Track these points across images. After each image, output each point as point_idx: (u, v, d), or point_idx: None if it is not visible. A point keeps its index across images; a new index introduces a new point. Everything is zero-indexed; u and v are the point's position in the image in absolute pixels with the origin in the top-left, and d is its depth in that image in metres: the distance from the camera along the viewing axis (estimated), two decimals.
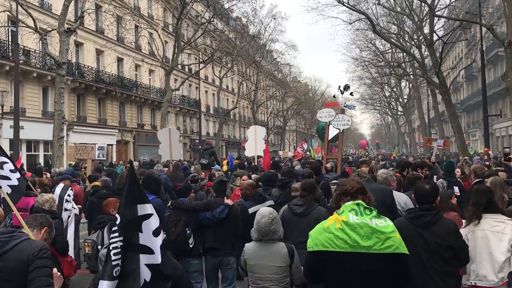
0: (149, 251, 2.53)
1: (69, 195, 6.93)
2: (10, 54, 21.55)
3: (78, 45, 28.09)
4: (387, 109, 62.41)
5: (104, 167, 15.25)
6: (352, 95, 15.10)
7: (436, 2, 25.96)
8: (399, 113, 58.12)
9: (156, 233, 2.56)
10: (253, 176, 9.20)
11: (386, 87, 52.43)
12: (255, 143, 14.32)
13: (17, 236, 2.95)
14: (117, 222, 2.49)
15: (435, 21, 25.82)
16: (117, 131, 30.54)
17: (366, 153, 49.14)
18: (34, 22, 17.30)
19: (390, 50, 39.55)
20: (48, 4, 25.39)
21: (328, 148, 13.52)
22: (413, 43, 33.28)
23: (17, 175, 4.14)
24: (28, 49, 22.86)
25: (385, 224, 2.84)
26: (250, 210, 5.67)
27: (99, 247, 4.94)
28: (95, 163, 14.41)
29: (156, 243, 2.55)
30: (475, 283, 3.87)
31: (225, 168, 16.22)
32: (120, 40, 31.95)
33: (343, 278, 2.88)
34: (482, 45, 20.94)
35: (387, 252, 2.76)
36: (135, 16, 28.21)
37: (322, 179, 8.48)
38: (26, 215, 4.77)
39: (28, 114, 22.87)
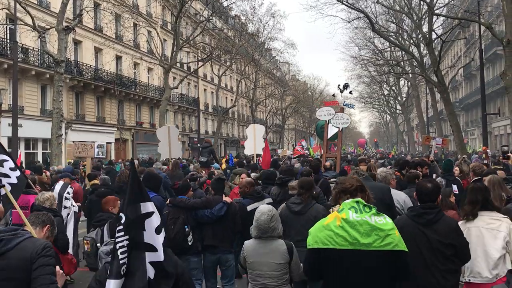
0: (152, 248, 2.54)
1: (68, 193, 6.94)
2: (9, 52, 21.49)
3: (77, 43, 28.03)
4: (385, 108, 62.46)
5: (103, 165, 15.25)
6: (352, 93, 15.14)
7: (435, 0, 25.99)
8: (397, 111, 58.15)
9: (158, 230, 2.58)
10: (253, 174, 9.21)
11: (384, 85, 52.46)
12: (254, 141, 14.34)
13: (20, 234, 2.95)
14: (122, 221, 2.49)
15: (434, 20, 25.86)
16: (116, 129, 30.53)
17: (365, 152, 49.20)
18: (33, 20, 17.25)
19: (389, 49, 39.57)
20: (47, 2, 25.33)
21: (327, 146, 13.53)
22: (412, 41, 33.28)
23: (17, 173, 4.13)
24: (27, 47, 22.81)
25: (385, 221, 2.86)
26: (249, 208, 5.70)
27: (98, 244, 4.94)
28: (94, 161, 14.40)
29: (159, 240, 2.57)
30: (469, 280, 3.90)
31: (223, 166, 16.23)
32: (119, 38, 31.90)
33: (343, 275, 2.90)
34: (481, 44, 20.95)
35: (386, 249, 2.78)
36: (133, 14, 28.15)
37: (321, 177, 8.49)
38: (26, 213, 4.77)
39: (27, 112, 22.83)
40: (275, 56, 51.41)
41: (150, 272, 2.52)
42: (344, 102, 13.03)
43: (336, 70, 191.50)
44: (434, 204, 3.70)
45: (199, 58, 36.37)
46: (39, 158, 23.47)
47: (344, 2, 22.08)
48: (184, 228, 5.24)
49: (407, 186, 6.47)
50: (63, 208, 6.69)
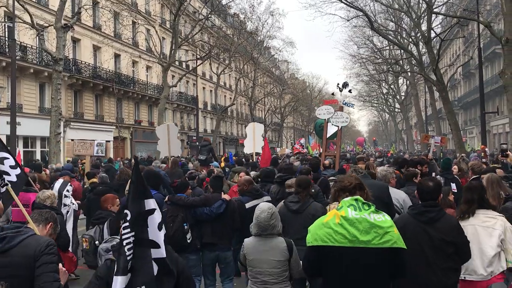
0: (155, 245, 2.57)
1: (68, 191, 6.96)
2: (7, 50, 21.44)
3: (75, 41, 27.98)
4: (384, 106, 62.52)
5: (102, 164, 15.24)
6: (351, 92, 15.13)
7: None
8: (396, 110, 58.20)
9: (159, 227, 2.60)
10: (252, 173, 9.22)
11: (383, 84, 52.50)
12: (253, 140, 14.34)
13: (23, 231, 2.96)
14: (128, 217, 2.51)
15: (432, 18, 25.87)
16: (114, 127, 30.49)
17: (364, 150, 49.23)
18: (31, 17, 17.21)
19: (387, 47, 39.59)
20: (45, 0, 25.26)
21: (326, 145, 13.54)
22: (410, 40, 33.29)
23: (17, 171, 4.12)
24: (25, 45, 22.75)
25: (383, 219, 2.87)
26: (247, 205, 5.72)
27: (97, 242, 4.96)
28: (93, 160, 14.39)
29: (161, 237, 2.59)
30: (465, 277, 3.93)
31: (222, 164, 16.23)
32: (117, 36, 31.85)
33: (342, 273, 2.91)
34: (479, 43, 20.96)
35: (385, 246, 2.80)
36: (132, 12, 28.10)
37: (320, 175, 8.51)
38: (27, 211, 4.77)
39: (25, 110, 22.80)
40: (274, 55, 51.36)
41: (154, 268, 2.54)
42: (344, 101, 13.04)
43: (335, 68, 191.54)
44: (436, 202, 3.73)
45: (198, 56, 36.27)
46: (38, 157, 23.44)
47: (343, 1, 22.08)
48: (183, 226, 5.26)
49: (405, 184, 6.48)
50: (62, 206, 6.70)
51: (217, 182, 5.91)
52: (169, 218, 5.23)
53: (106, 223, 4.97)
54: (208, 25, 35.75)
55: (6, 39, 21.95)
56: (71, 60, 26.68)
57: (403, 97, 51.08)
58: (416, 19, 29.64)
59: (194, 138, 38.22)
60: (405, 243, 3.51)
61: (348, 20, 29.22)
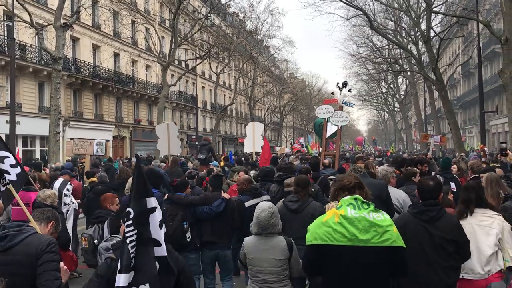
0: (157, 243, 2.58)
1: (68, 190, 6.97)
2: (6, 49, 21.42)
3: (75, 40, 27.95)
4: (383, 106, 62.51)
5: (102, 163, 15.23)
6: (350, 91, 15.15)
7: None
8: (395, 109, 58.21)
9: (160, 225, 2.62)
10: (252, 172, 9.23)
11: (383, 83, 52.50)
12: (253, 139, 14.36)
13: (25, 230, 2.98)
14: (131, 216, 2.52)
15: (432, 18, 25.87)
16: (114, 126, 30.47)
17: (363, 150, 49.26)
18: (30, 16, 17.20)
19: (387, 46, 39.61)
20: None
21: (326, 144, 13.56)
22: (410, 39, 33.30)
23: (17, 170, 4.13)
24: (24, 44, 22.73)
25: (383, 217, 2.88)
26: (247, 204, 5.74)
27: (95, 241, 4.98)
28: (92, 159, 14.40)
29: (162, 235, 2.61)
30: (462, 276, 3.94)
31: (221, 163, 16.24)
32: (117, 35, 31.82)
33: (342, 272, 2.92)
34: (479, 42, 20.98)
35: (384, 245, 2.81)
36: (131, 11, 28.08)
37: (320, 175, 8.52)
38: (28, 210, 4.79)
39: (24, 109, 22.77)
40: (273, 54, 51.34)
41: (156, 266, 2.56)
42: (343, 100, 13.05)
43: (334, 67, 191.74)
44: (436, 201, 3.74)
45: (197, 56, 36.27)
46: (37, 156, 23.43)
47: (342, 0, 22.06)
48: (182, 225, 5.27)
49: (404, 183, 6.49)
50: (62, 205, 6.72)
51: (217, 181, 5.93)
52: (169, 217, 5.24)
53: (106, 222, 4.98)
54: (208, 24, 35.73)
55: (5, 38, 21.92)
56: (70, 59, 26.65)
57: (402, 97, 51.08)
58: (415, 18, 29.63)
59: (194, 137, 38.20)
60: (406, 242, 3.52)
61: (347, 19, 29.23)
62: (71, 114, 27.02)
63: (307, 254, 3.10)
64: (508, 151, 9.73)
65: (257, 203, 5.46)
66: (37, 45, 22.82)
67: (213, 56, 35.79)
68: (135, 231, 2.50)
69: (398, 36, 35.12)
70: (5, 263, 2.79)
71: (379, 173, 6.07)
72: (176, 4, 25.28)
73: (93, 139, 13.69)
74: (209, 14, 30.53)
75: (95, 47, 29.96)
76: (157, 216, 2.61)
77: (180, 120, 41.81)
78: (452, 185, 7.37)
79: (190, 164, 14.04)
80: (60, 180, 7.29)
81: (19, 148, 20.92)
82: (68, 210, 6.87)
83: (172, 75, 37.81)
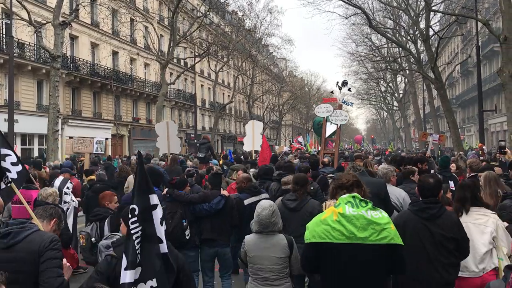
0: (159, 240, 2.61)
1: (68, 188, 6.98)
2: (4, 47, 21.37)
3: (73, 38, 27.89)
4: (382, 104, 62.53)
5: (101, 161, 15.23)
6: (350, 90, 15.18)
7: None
8: (394, 108, 58.23)
9: (161, 222, 2.65)
10: (252, 170, 9.25)
11: (381, 82, 52.52)
12: (253, 137, 14.38)
13: (28, 227, 3.00)
14: (136, 212, 2.53)
15: (431, 16, 25.88)
16: (112, 125, 30.43)
17: (361, 148, 49.29)
18: (29, 14, 17.15)
19: (386, 45, 39.60)
20: None
21: (325, 143, 13.59)
22: (409, 38, 33.32)
23: (18, 168, 4.14)
24: (23, 42, 22.68)
25: (381, 215, 2.91)
26: (246, 202, 5.77)
27: (93, 239, 5.01)
28: (91, 157, 14.40)
29: (163, 232, 2.63)
30: None
31: (220, 162, 16.25)
32: (115, 34, 31.76)
33: (340, 269, 2.94)
34: (477, 40, 21.00)
35: (382, 243, 2.82)
36: (130, 9, 28.02)
37: (320, 173, 8.54)
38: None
39: (23, 108, 22.73)
40: (272, 52, 51.30)
41: (158, 263, 2.58)
42: (343, 99, 13.08)
43: (333, 66, 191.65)
44: (436, 199, 3.76)
45: (196, 54, 36.22)
46: (35, 154, 23.40)
47: None
48: (182, 222, 5.30)
49: (403, 182, 6.50)
50: (62, 203, 6.72)
51: (216, 179, 5.98)
52: (168, 215, 5.27)
53: (107, 220, 4.99)
54: (206, 23, 35.68)
55: (4, 36, 21.86)
56: (69, 57, 26.61)
57: (401, 95, 51.09)
58: (414, 17, 29.64)
59: (192, 135, 38.20)
60: (406, 240, 3.55)
61: (346, 18, 29.29)
62: (69, 112, 26.98)
63: (305, 252, 3.13)
64: (507, 149, 9.77)
65: (256, 201, 5.50)
66: (35, 43, 22.78)
67: (212, 54, 35.76)
68: (140, 228, 2.51)
69: (397, 35, 35.13)
70: (8, 260, 2.80)
71: (379, 172, 6.08)
72: (175, 2, 25.22)
73: (93, 138, 13.67)
74: (208, 13, 30.46)
75: (94, 45, 29.91)
76: (158, 213, 2.64)
77: (179, 118, 41.79)
78: (451, 183, 7.38)
79: (189, 163, 14.04)
80: (61, 178, 7.30)
81: (18, 147, 20.90)
82: (68, 208, 6.88)
83: (171, 74, 37.76)
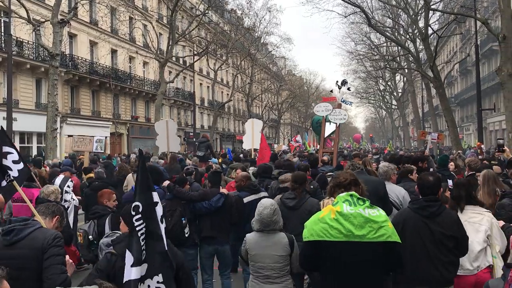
0: (160, 238, 2.62)
1: (68, 186, 6.99)
2: (3, 45, 21.32)
3: (72, 36, 27.84)
4: (381, 103, 62.56)
5: (100, 159, 15.22)
6: (349, 89, 15.20)
7: None
8: (393, 107, 58.28)
9: (161, 220, 2.67)
10: (251, 168, 9.26)
11: (380, 80, 52.51)
12: (252, 136, 14.39)
13: (31, 224, 3.02)
14: (140, 209, 2.55)
15: (430, 15, 25.88)
16: (111, 123, 30.41)
17: (360, 147, 49.32)
18: (27, 12, 17.12)
19: (385, 44, 39.60)
20: None
21: (324, 141, 13.61)
22: (408, 36, 33.32)
23: (19, 166, 4.14)
24: (21, 40, 22.62)
25: (378, 213, 2.93)
26: (245, 200, 5.79)
27: (90, 236, 5.03)
28: (90, 155, 14.39)
29: (163, 230, 2.65)
30: None
31: (219, 160, 16.25)
32: (114, 32, 31.70)
33: (339, 267, 2.96)
34: (476, 39, 21.01)
35: (380, 240, 2.85)
36: (129, 7, 27.98)
37: (319, 172, 8.56)
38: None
39: (21, 106, 22.70)
40: (271, 51, 51.24)
41: (158, 260, 2.59)
42: (342, 98, 13.11)
43: (332, 65, 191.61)
44: (436, 197, 3.78)
45: (195, 52, 36.20)
46: (34, 152, 23.36)
47: None
48: (181, 220, 5.33)
49: (401, 181, 6.51)
50: (63, 202, 6.72)
51: (216, 177, 6.00)
52: (168, 213, 5.29)
53: (107, 218, 5.00)
54: (205, 21, 35.63)
55: (2, 34, 21.81)
56: (67, 55, 26.57)
57: (400, 94, 51.12)
58: (413, 16, 29.63)
59: (191, 134, 38.18)
60: (406, 238, 3.57)
61: (345, 17, 29.31)
62: (68, 110, 26.94)
63: (304, 250, 3.16)
64: (505, 147, 9.80)
65: (255, 199, 5.52)
66: (34, 41, 22.73)
67: (211, 53, 35.75)
68: (144, 224, 2.53)
69: (396, 34, 35.10)
70: (12, 257, 2.82)
71: (380, 170, 6.10)
72: (174, 0, 25.19)
73: (93, 136, 13.66)
74: (207, 11, 30.43)
75: (93, 44, 29.85)
76: (159, 210, 2.66)
77: (177, 117, 41.76)
78: (450, 182, 7.39)
79: (188, 161, 14.04)
80: (61, 177, 7.32)
81: (16, 145, 20.82)
82: (68, 207, 6.89)
83: (170, 72, 37.73)
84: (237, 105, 59.31)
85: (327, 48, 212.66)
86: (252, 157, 14.50)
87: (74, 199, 7.10)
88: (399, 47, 34.84)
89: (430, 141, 15.86)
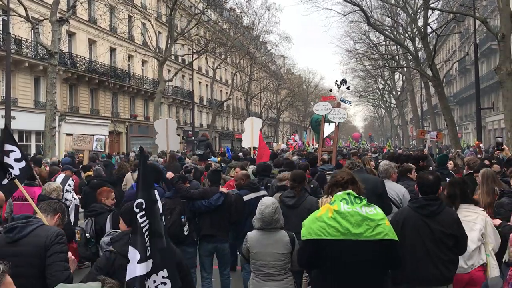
0: (160, 235, 2.63)
1: (69, 185, 6.98)
2: (2, 44, 21.28)
3: (71, 34, 27.80)
4: (380, 102, 62.57)
5: (100, 158, 15.21)
6: (349, 89, 15.21)
7: None
8: (392, 105, 58.28)
9: (161, 217, 2.69)
10: (251, 166, 9.27)
11: (379, 79, 52.50)
12: (251, 134, 14.39)
13: (33, 221, 3.04)
14: (143, 206, 2.56)
15: (429, 14, 25.87)
16: (110, 122, 30.39)
17: (358, 146, 49.37)
18: (26, 11, 17.08)
19: (384, 43, 39.55)
20: None
21: (323, 140, 13.63)
22: (407, 35, 33.30)
23: (21, 164, 4.16)
24: (20, 38, 22.59)
25: (375, 212, 2.95)
26: (245, 198, 5.80)
27: (87, 234, 5.05)
28: (90, 154, 14.38)
29: (162, 227, 2.66)
30: None
31: (218, 159, 16.26)
32: (113, 30, 31.66)
33: (337, 265, 2.98)
34: (475, 38, 21.04)
35: (377, 238, 2.86)
36: (128, 6, 27.93)
37: (318, 170, 8.58)
38: (30, 204, 4.82)
39: (20, 104, 22.67)
40: (270, 49, 51.24)
41: (161, 256, 2.61)
42: (341, 97, 13.12)
43: (331, 63, 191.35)
44: (436, 195, 3.79)
45: (194, 51, 36.16)
46: (33, 151, 23.35)
47: None
48: (180, 219, 5.35)
49: (400, 179, 6.52)
50: (63, 201, 6.71)
51: (215, 176, 6.04)
52: (167, 211, 5.31)
53: (109, 217, 5.01)
54: (204, 20, 35.59)
55: (1, 32, 21.77)
56: (66, 54, 26.53)
57: (399, 93, 51.13)
58: (412, 15, 29.63)
59: (190, 132, 38.17)
60: (406, 237, 3.58)
61: (344, 15, 29.31)
62: (67, 109, 26.91)
63: (302, 248, 3.19)
64: (504, 146, 9.81)
65: (255, 197, 5.53)
66: (33, 39, 22.69)
67: (209, 51, 35.70)
68: (148, 221, 2.55)
69: (395, 32, 35.10)
70: (14, 254, 2.83)
71: (380, 168, 6.11)
72: None
73: (93, 135, 13.65)
74: (205, 9, 30.41)
75: (91, 42, 29.81)
76: (159, 208, 2.68)
77: (176, 115, 41.74)
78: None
79: (187, 160, 14.05)
80: (62, 175, 7.32)
81: None
82: (69, 206, 6.89)
83: (169, 71, 37.70)
84: (236, 104, 59.30)
85: (326, 46, 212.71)
86: (252, 155, 14.51)
87: (75, 198, 7.10)
88: (398, 46, 34.84)
89: (429, 140, 15.86)
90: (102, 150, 14.38)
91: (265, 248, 3.95)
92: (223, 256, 5.67)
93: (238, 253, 6.49)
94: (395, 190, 5.52)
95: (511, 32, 14.56)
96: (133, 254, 2.47)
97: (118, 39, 32.24)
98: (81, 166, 10.79)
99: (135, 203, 2.57)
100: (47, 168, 10.79)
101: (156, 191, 2.69)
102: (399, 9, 31.73)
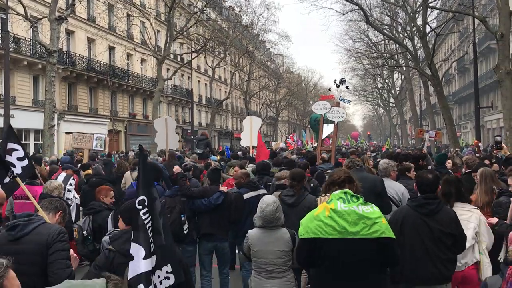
0: (159, 232, 2.65)
1: (71, 185, 6.98)
2: (0, 42, 21.24)
3: (69, 33, 27.75)
4: (379, 101, 62.62)
5: (99, 156, 15.20)
6: (348, 88, 15.23)
7: None
8: (391, 104, 58.33)
9: (160, 215, 2.71)
10: (251, 165, 9.28)
11: (378, 78, 52.57)
12: (250, 133, 14.41)
13: (35, 219, 3.06)
14: (146, 203, 2.58)
15: (428, 13, 25.87)
16: (109, 120, 30.36)
17: (357, 145, 49.39)
18: (25, 9, 17.05)
19: (383, 42, 39.59)
20: None
21: (321, 140, 13.65)
22: (406, 34, 33.32)
23: (23, 163, 4.17)
24: (19, 36, 22.55)
25: (372, 210, 2.97)
26: (245, 196, 5.81)
27: (85, 232, 5.07)
28: (90, 153, 14.36)
29: (161, 225, 2.68)
30: None
31: (217, 158, 16.26)
32: (112, 29, 31.62)
33: (334, 263, 3.00)
34: (474, 37, 21.05)
35: (374, 236, 2.88)
36: (127, 4, 27.91)
37: (317, 169, 8.59)
38: (31, 203, 4.83)
39: (19, 103, 22.64)
40: (269, 48, 51.25)
41: (164, 252, 2.64)
42: (340, 97, 13.14)
43: (330, 62, 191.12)
44: (435, 194, 3.81)
45: (193, 50, 36.13)
46: (31, 149, 23.33)
47: None
48: (180, 217, 5.36)
49: (399, 178, 6.53)
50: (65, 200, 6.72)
51: (215, 175, 6.06)
52: (167, 209, 5.32)
53: (110, 216, 5.01)
54: (203, 18, 35.56)
55: (0, 31, 21.72)
56: (65, 52, 26.49)
57: (398, 92, 51.18)
58: (411, 14, 29.65)
59: (189, 131, 38.15)
60: (405, 236, 3.59)
61: (343, 14, 29.28)
62: (65, 107, 26.89)
63: (300, 247, 3.21)
64: (503, 145, 9.83)
65: (255, 196, 5.55)
66: (31, 38, 22.64)
67: (208, 50, 35.68)
68: (150, 218, 2.57)
69: (394, 31, 35.12)
70: (17, 252, 2.84)
71: (380, 166, 6.13)
72: None
73: (93, 134, 13.62)
74: (204, 8, 30.38)
75: (90, 41, 29.77)
76: (158, 206, 2.70)
77: (175, 114, 41.72)
78: None
79: (187, 159, 14.05)
80: (63, 174, 7.31)
81: None
82: (70, 205, 6.89)
83: (168, 69, 37.67)
84: (235, 103, 59.29)
85: (325, 45, 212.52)
86: (251, 154, 14.52)
87: (76, 198, 7.10)
88: (397, 45, 34.87)
89: (427, 139, 15.89)
90: (102, 149, 14.37)
91: (266, 246, 3.98)
92: (223, 255, 5.69)
93: (237, 251, 6.51)
94: (395, 188, 5.53)
95: (510, 31, 14.58)
96: (137, 250, 2.48)
97: (117, 37, 32.19)
98: (79, 165, 10.76)
99: (137, 200, 2.58)
100: (47, 167, 10.78)
101: (155, 189, 2.72)
102: (398, 8, 31.74)
